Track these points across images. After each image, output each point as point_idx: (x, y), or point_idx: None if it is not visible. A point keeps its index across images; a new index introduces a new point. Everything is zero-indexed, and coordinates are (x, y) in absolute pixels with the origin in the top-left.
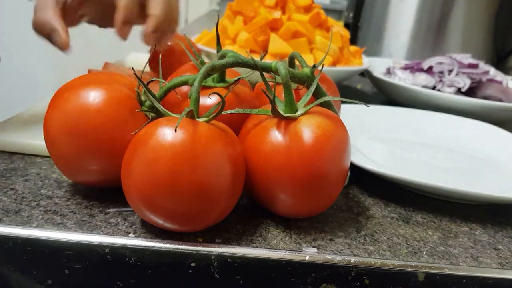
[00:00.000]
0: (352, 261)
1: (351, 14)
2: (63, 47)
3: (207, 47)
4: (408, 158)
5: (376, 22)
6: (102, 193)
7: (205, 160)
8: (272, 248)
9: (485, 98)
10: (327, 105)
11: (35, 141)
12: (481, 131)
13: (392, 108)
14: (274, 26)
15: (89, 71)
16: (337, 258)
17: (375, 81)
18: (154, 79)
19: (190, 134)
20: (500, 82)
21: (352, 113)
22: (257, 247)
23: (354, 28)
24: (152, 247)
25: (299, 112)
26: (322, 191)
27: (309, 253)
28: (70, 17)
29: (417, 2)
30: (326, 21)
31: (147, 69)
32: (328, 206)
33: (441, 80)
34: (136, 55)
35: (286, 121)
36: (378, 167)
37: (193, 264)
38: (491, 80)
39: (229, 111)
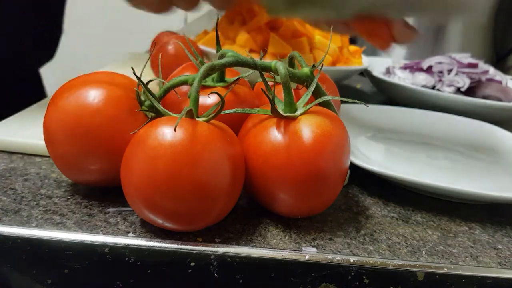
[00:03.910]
0: (351, 260)
1: None
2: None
3: (207, 46)
4: (407, 157)
5: None
6: (102, 193)
7: (204, 159)
8: (271, 248)
9: (484, 97)
10: (326, 104)
11: (35, 141)
12: (481, 130)
13: (392, 108)
14: (273, 25)
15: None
16: (336, 258)
17: (375, 80)
18: (153, 78)
19: (189, 133)
20: (500, 82)
21: (351, 113)
22: (256, 246)
23: None
24: (152, 246)
25: (298, 112)
26: (322, 191)
27: (308, 253)
28: None
29: None
30: None
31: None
32: (327, 206)
33: (440, 80)
34: None
35: (285, 120)
36: (378, 167)
37: (192, 264)
38: (491, 80)
39: (229, 111)
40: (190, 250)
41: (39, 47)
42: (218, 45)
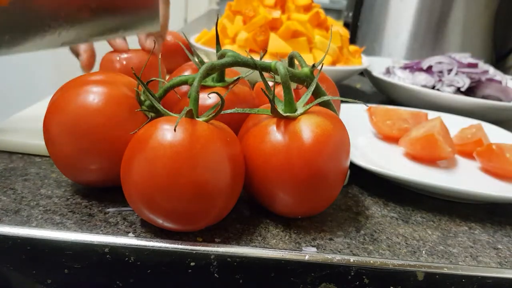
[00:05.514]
0: (351, 260)
1: (350, 14)
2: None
3: (207, 46)
4: (407, 157)
5: (375, 22)
6: (102, 193)
7: (204, 159)
8: (271, 248)
9: (484, 97)
10: (326, 104)
11: (35, 141)
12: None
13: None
14: (273, 25)
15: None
16: (336, 258)
17: (375, 80)
18: (153, 78)
19: (189, 133)
20: (499, 82)
21: (351, 113)
22: (256, 246)
23: (353, 28)
24: (152, 246)
25: (298, 112)
26: (322, 191)
27: (308, 253)
28: None
29: (417, 2)
30: (325, 20)
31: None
32: (327, 206)
33: (440, 80)
34: None
35: (285, 120)
36: (377, 167)
37: (192, 264)
38: (490, 80)
39: (229, 111)
40: (190, 250)
41: None
42: (218, 45)
